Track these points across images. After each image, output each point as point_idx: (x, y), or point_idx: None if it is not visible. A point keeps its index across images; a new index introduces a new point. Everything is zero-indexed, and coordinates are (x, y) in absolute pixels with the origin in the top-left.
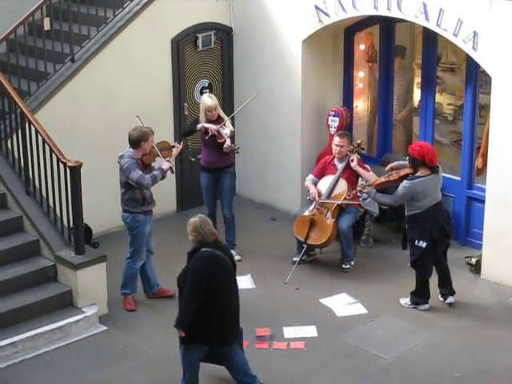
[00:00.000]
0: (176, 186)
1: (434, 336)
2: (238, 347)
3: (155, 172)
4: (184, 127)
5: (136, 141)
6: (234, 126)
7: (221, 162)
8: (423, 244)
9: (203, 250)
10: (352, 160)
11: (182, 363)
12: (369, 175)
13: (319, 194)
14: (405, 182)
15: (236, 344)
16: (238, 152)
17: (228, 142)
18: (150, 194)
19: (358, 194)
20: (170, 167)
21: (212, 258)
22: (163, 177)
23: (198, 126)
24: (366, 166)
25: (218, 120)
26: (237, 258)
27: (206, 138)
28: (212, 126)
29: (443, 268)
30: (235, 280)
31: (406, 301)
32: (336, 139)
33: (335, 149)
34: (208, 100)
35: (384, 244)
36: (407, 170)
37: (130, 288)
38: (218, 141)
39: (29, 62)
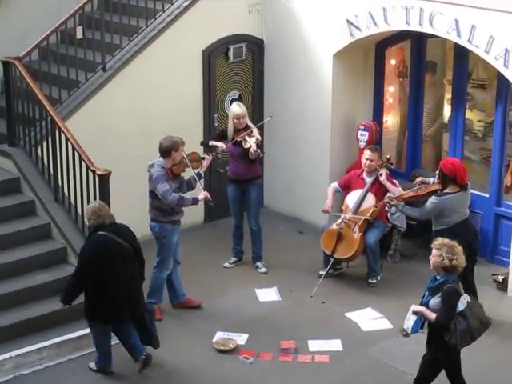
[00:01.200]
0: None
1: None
2: (133, 329)
3: (187, 196)
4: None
5: (166, 150)
6: (262, 138)
7: (248, 173)
8: None
9: (98, 233)
10: (381, 174)
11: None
12: (397, 190)
13: (346, 208)
14: (433, 198)
15: (130, 326)
16: (262, 156)
17: (254, 147)
18: None
19: (386, 208)
20: (206, 197)
21: (103, 241)
22: (194, 203)
23: (210, 142)
24: (394, 181)
25: (246, 129)
26: (263, 270)
27: (230, 144)
28: (219, 144)
29: (469, 285)
30: (130, 260)
31: None
32: (367, 153)
33: (365, 162)
34: (237, 108)
35: (411, 259)
36: (436, 186)
37: (156, 297)
38: (244, 147)
39: (60, 69)
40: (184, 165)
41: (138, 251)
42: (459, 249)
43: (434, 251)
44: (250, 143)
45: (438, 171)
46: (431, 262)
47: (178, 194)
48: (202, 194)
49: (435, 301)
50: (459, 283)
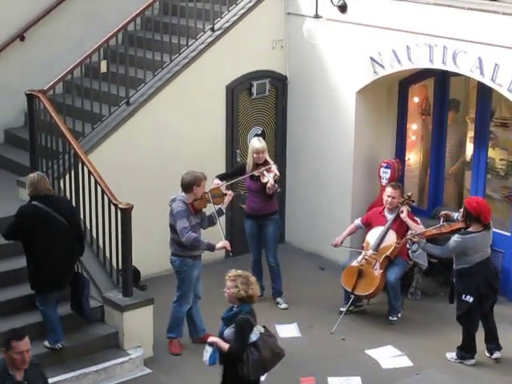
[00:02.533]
0: (225, 232)
1: None
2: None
3: (205, 240)
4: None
5: (188, 185)
6: (284, 174)
7: (265, 208)
8: (470, 299)
9: (31, 202)
10: (401, 211)
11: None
12: (418, 227)
13: (367, 245)
14: (457, 237)
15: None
16: (279, 191)
17: (271, 181)
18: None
19: (408, 245)
20: (225, 247)
21: (31, 211)
22: (209, 249)
23: (214, 181)
24: (415, 218)
25: (265, 164)
26: (283, 306)
27: (247, 178)
28: (215, 181)
29: (490, 323)
30: (61, 231)
31: (452, 355)
32: (388, 190)
33: (386, 199)
34: (256, 143)
35: (432, 297)
36: (459, 224)
37: (175, 332)
38: (262, 181)
39: (84, 103)
40: (206, 200)
41: (74, 224)
42: (253, 279)
43: (228, 283)
44: (268, 178)
45: (462, 209)
46: (227, 294)
47: (195, 235)
48: (221, 242)
49: (229, 331)
50: (254, 314)
